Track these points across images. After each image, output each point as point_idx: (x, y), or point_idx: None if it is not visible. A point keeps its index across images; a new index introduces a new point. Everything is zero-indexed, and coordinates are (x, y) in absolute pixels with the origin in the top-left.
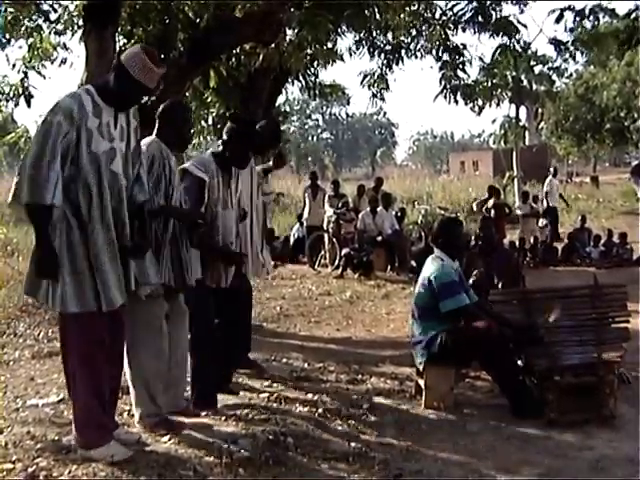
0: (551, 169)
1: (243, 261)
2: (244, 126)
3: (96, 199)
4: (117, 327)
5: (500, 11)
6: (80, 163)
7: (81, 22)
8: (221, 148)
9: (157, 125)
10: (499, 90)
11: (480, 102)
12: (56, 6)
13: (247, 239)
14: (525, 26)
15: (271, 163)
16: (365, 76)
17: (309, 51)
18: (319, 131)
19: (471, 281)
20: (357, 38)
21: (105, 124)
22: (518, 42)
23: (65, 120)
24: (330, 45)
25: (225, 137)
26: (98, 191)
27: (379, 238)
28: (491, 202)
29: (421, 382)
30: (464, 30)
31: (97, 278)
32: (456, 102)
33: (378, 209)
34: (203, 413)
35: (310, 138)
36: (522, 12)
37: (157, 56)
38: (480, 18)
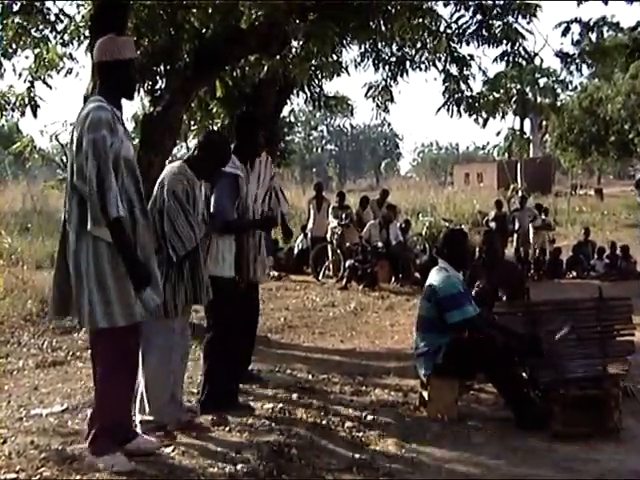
0: None
1: (276, 222)
2: (249, 120)
3: (138, 209)
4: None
5: (505, 23)
6: (120, 173)
7: (87, 33)
8: (235, 144)
9: (197, 152)
10: (503, 104)
11: (484, 115)
12: (62, 17)
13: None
14: (531, 32)
15: None
16: (370, 88)
17: (314, 62)
18: (323, 142)
19: (473, 292)
20: (362, 50)
21: (124, 129)
22: (525, 50)
23: (108, 132)
24: (335, 57)
25: (237, 132)
26: (139, 199)
27: (380, 244)
28: (492, 214)
29: (425, 394)
30: (468, 43)
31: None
32: (459, 115)
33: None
34: (209, 417)
35: (315, 149)
36: (529, 22)
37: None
38: (484, 31)
